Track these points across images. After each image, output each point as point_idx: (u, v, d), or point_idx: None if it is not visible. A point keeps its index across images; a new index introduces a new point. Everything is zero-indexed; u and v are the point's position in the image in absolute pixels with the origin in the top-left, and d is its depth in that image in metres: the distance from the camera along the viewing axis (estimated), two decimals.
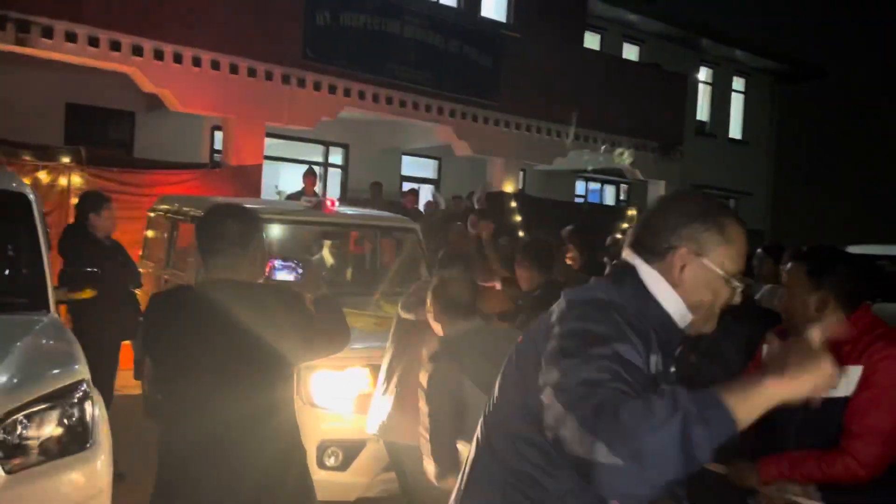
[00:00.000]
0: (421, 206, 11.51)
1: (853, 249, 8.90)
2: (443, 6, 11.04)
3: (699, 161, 18.26)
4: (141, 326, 2.43)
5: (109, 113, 10.95)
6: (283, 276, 2.65)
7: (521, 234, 10.52)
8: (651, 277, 1.56)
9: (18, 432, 2.70)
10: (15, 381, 2.84)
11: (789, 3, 24.73)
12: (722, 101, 20.02)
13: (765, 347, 2.60)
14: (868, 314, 2.48)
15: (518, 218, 11.33)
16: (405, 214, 8.96)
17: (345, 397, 4.09)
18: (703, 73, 19.61)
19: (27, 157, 7.77)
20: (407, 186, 12.79)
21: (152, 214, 7.10)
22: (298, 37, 9.42)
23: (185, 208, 6.41)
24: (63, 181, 7.90)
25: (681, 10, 19.57)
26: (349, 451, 4.06)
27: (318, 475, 3.98)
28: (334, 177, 13.54)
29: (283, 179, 12.80)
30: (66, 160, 7.98)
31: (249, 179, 9.03)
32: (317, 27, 9.52)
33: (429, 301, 2.97)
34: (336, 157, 13.47)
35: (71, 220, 7.37)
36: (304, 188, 9.26)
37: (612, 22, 17.08)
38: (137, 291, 5.33)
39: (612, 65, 14.10)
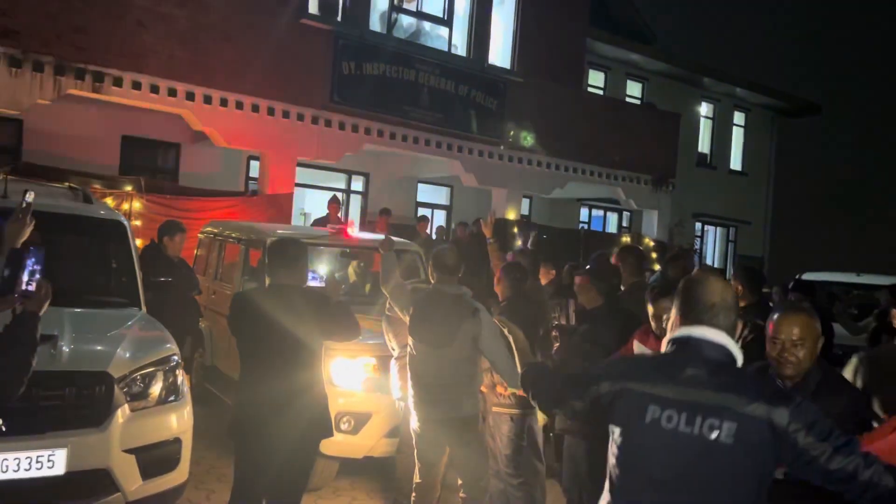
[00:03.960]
0: (429, 231, 12.82)
1: (808, 276, 10.04)
2: (453, 55, 12.40)
3: (700, 191, 19.37)
4: (230, 317, 3.73)
5: (159, 144, 12.33)
6: (314, 284, 3.98)
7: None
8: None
9: (137, 385, 4.04)
10: (133, 352, 4.16)
11: (788, 43, 25.89)
12: (723, 135, 21.06)
13: (636, 344, 3.87)
14: None
15: (519, 243, 12.59)
16: (418, 239, 10.30)
17: (356, 379, 5.35)
18: (705, 109, 20.69)
19: (97, 186, 9.14)
20: (421, 212, 14.15)
21: (202, 236, 8.42)
22: (327, 83, 10.84)
23: (227, 231, 7.75)
24: (126, 206, 9.25)
25: (683, 49, 20.82)
26: (359, 420, 5.27)
27: (335, 437, 5.19)
28: (356, 202, 14.91)
29: (309, 203, 14.20)
30: (128, 188, 9.40)
31: (282, 206, 10.39)
32: (343, 75, 10.94)
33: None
34: (357, 184, 14.81)
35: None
36: (328, 214, 10.60)
37: (615, 61, 18.30)
38: (197, 297, 6.72)
39: (609, 105, 15.40)
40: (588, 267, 4.78)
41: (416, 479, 4.31)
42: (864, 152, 24.63)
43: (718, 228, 21.66)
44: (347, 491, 5.53)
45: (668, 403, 2.11)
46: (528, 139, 12.81)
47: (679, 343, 2.21)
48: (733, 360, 2.18)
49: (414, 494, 4.32)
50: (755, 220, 21.83)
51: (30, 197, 2.69)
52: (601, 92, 17.81)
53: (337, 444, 5.23)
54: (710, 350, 2.16)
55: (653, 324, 3.81)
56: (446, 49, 12.40)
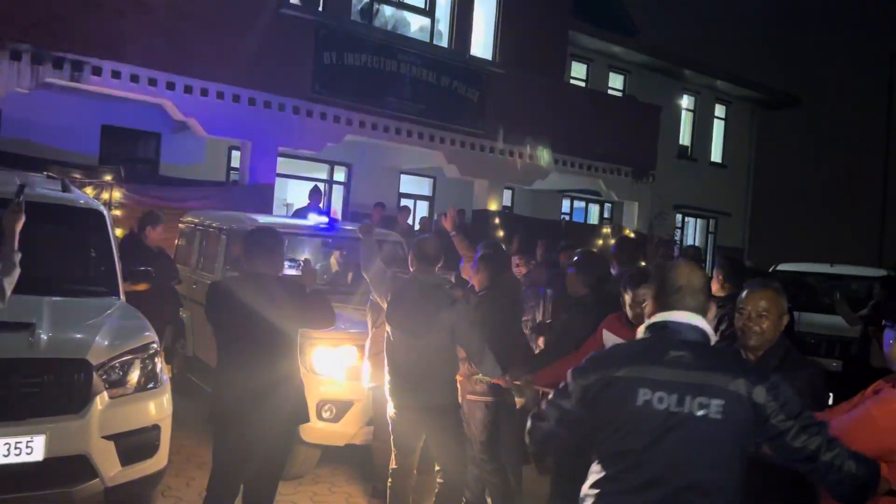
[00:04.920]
0: (410, 222, 12.83)
1: (783, 267, 10.21)
2: (435, 46, 12.42)
3: (681, 183, 19.51)
4: (207, 306, 3.76)
5: (139, 134, 12.22)
6: (291, 272, 4.01)
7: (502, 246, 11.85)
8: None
9: (116, 372, 4.05)
10: (111, 340, 4.17)
11: (768, 35, 26.11)
12: (703, 127, 21.18)
13: (605, 332, 3.93)
14: None
15: (501, 233, 12.67)
16: (399, 229, 10.32)
17: (338, 367, 5.37)
18: (686, 101, 20.79)
19: (76, 175, 9.05)
20: (404, 203, 14.18)
21: (182, 226, 8.43)
22: (308, 73, 10.82)
23: (207, 221, 7.76)
24: (105, 195, 9.19)
25: (665, 42, 20.91)
26: (340, 408, 5.30)
27: (316, 425, 5.25)
28: (338, 193, 14.89)
29: (291, 194, 14.18)
30: (108, 178, 9.32)
31: (263, 196, 10.38)
32: (324, 65, 10.92)
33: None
34: (340, 175, 14.77)
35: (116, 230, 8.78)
36: (309, 204, 10.59)
37: (597, 53, 18.35)
38: (178, 287, 6.73)
39: (591, 96, 15.47)
40: (576, 259, 4.82)
41: (393, 464, 4.37)
42: (843, 144, 24.93)
43: (698, 220, 21.84)
44: (327, 478, 5.59)
45: (658, 385, 2.18)
46: (544, 156, 13.13)
47: (657, 328, 2.31)
48: (708, 339, 2.29)
49: (390, 480, 4.38)
50: (735, 212, 22.04)
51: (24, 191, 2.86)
52: (583, 84, 17.88)
53: (318, 432, 5.28)
54: (687, 332, 2.26)
55: (631, 312, 3.76)
56: (428, 40, 12.41)
